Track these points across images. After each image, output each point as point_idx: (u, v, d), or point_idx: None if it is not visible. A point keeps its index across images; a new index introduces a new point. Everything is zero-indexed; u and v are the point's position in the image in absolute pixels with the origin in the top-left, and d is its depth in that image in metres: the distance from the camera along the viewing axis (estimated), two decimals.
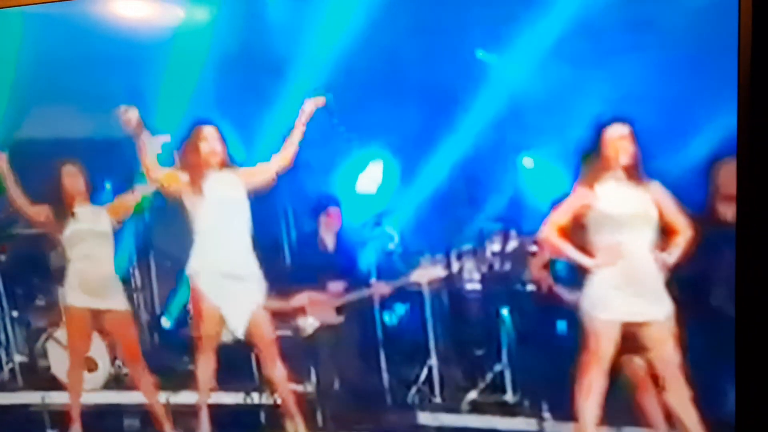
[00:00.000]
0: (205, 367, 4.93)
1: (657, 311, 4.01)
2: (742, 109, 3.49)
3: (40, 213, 5.21)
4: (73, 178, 5.20)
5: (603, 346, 4.09)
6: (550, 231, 4.34)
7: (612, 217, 4.04)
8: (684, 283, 4.04)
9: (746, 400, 3.58)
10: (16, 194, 5.20)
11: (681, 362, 4.01)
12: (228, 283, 4.80)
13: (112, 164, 5.60)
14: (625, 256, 4.03)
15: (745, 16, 3.56)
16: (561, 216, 4.28)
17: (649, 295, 4.03)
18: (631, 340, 4.11)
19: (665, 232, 3.99)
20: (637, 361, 4.19)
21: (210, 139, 4.75)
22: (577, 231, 4.12)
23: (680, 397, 4.01)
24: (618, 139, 4.05)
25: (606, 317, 4.09)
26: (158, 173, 4.79)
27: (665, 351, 4.01)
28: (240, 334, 4.83)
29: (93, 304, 5.24)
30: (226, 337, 4.95)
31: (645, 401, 4.23)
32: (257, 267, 4.78)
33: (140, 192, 5.12)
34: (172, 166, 4.96)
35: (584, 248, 4.17)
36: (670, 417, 4.19)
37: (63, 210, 5.21)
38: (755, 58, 3.58)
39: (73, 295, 5.27)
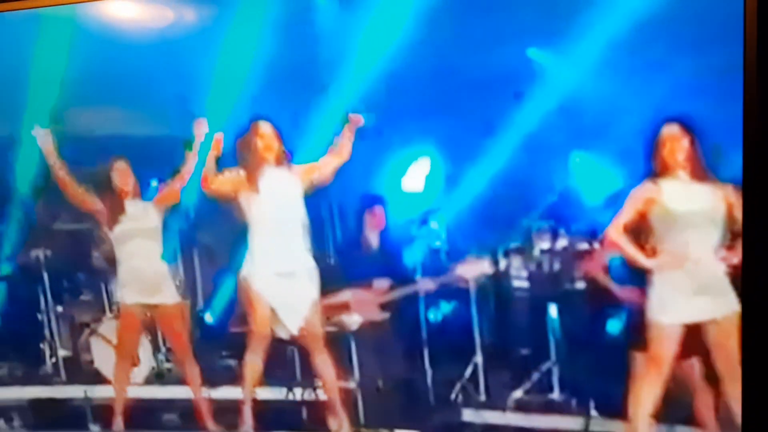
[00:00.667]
0: (254, 365, 4.95)
1: (720, 309, 3.97)
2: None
3: (96, 202, 5.28)
4: (123, 174, 5.28)
5: (665, 350, 4.05)
6: (616, 232, 4.34)
7: (677, 215, 4.02)
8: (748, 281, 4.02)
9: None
10: (69, 181, 5.25)
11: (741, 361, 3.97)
12: (282, 282, 4.84)
13: (157, 161, 5.67)
14: (690, 256, 4.00)
15: None
16: (625, 216, 4.28)
17: (712, 294, 3.99)
18: (692, 341, 4.07)
19: (733, 232, 4.01)
20: (695, 363, 4.21)
21: (266, 135, 4.79)
22: (641, 231, 4.12)
23: (735, 397, 3.99)
24: (675, 139, 4.07)
25: (669, 320, 4.06)
26: (216, 183, 4.82)
27: (727, 350, 3.95)
28: (295, 330, 4.84)
29: (144, 300, 5.31)
30: (282, 334, 4.97)
31: (699, 402, 4.20)
32: (312, 263, 4.84)
33: (182, 177, 5.18)
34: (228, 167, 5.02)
35: (649, 249, 4.16)
36: (722, 418, 4.19)
37: (115, 205, 5.30)
38: None
39: (126, 292, 5.33)
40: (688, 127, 4.02)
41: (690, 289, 4.01)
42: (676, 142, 4.02)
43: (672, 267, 4.01)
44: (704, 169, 4.01)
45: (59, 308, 6.45)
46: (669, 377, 4.02)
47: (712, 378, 4.07)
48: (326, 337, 4.96)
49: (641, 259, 4.20)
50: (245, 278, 4.86)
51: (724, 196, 3.96)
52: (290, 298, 4.78)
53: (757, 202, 3.50)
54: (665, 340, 4.04)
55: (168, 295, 5.24)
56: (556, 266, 4.95)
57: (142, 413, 5.50)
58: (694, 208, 4.00)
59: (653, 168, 4.05)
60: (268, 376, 5.21)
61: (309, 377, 5.23)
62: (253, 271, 4.81)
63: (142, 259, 5.21)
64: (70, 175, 5.20)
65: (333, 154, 4.73)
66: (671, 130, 4.04)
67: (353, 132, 4.71)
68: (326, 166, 4.73)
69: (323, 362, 4.87)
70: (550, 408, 5.04)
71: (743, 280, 3.56)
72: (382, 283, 5.18)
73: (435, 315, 5.86)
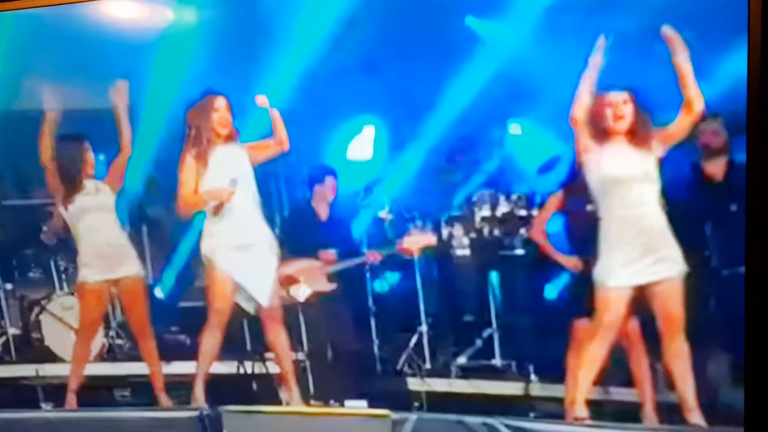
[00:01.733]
0: (211, 341, 4.93)
1: (667, 270, 4.00)
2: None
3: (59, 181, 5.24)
4: (88, 154, 5.24)
5: (611, 313, 4.07)
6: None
7: (616, 180, 4.01)
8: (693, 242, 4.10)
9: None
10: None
11: (685, 322, 4.01)
12: (243, 255, 4.80)
13: (103, 136, 5.61)
14: (631, 218, 4.01)
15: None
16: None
17: (657, 253, 4.00)
18: (638, 302, 4.09)
19: None
20: (633, 323, 4.23)
21: (221, 110, 4.76)
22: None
23: (679, 357, 4.00)
24: (614, 103, 4.07)
25: (615, 283, 4.06)
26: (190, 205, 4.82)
27: (672, 311, 4.00)
28: (266, 302, 4.83)
29: (107, 275, 5.27)
30: (249, 308, 4.97)
31: (635, 362, 4.24)
32: (269, 233, 4.82)
33: (125, 150, 5.15)
34: None
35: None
36: (657, 379, 4.27)
37: (73, 182, 5.25)
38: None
39: (88, 271, 5.30)
40: (626, 92, 4.04)
41: (635, 252, 4.03)
42: (614, 108, 4.05)
43: (615, 231, 4.06)
44: (642, 134, 4.03)
45: (8, 286, 6.41)
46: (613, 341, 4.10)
47: (651, 338, 4.17)
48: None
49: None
50: (206, 255, 4.84)
51: (656, 159, 4.03)
52: (253, 271, 4.78)
53: (761, 200, 3.51)
54: (612, 304, 4.07)
55: (131, 266, 5.22)
56: (497, 233, 5.00)
57: (94, 390, 5.50)
58: (632, 172, 4.03)
59: (594, 134, 4.09)
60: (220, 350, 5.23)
61: (259, 350, 5.27)
62: (214, 247, 4.80)
63: (101, 233, 5.18)
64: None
65: (275, 141, 4.71)
66: (610, 96, 4.05)
67: (279, 118, 4.68)
68: (268, 149, 4.71)
69: (278, 334, 4.88)
70: (492, 374, 5.08)
71: (747, 279, 3.57)
72: (329, 254, 5.21)
73: (381, 285, 5.91)
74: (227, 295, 4.78)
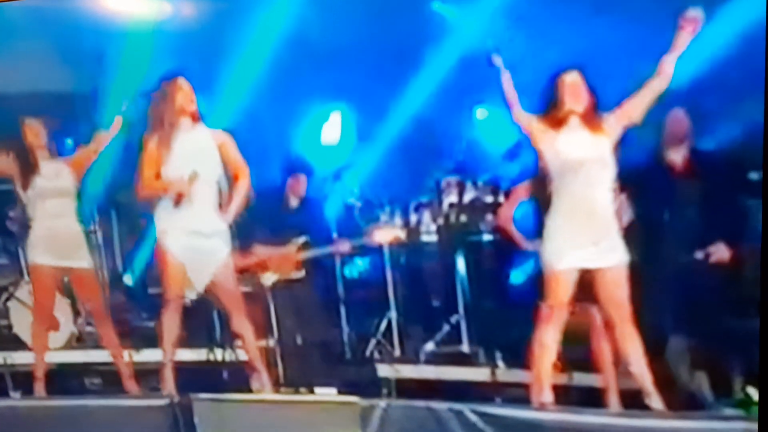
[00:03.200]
0: (171, 325, 4.89)
1: (612, 258, 3.98)
2: None
3: (8, 165, 5.14)
4: (34, 132, 5.15)
5: (561, 295, 4.03)
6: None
7: (571, 163, 3.96)
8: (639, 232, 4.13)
9: None
10: None
11: (632, 309, 3.99)
12: (194, 240, 4.78)
13: (72, 119, 5.54)
14: (582, 202, 3.96)
15: None
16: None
17: (605, 242, 3.98)
18: (586, 287, 4.05)
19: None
20: (592, 309, 4.20)
21: (185, 90, 4.70)
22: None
23: (631, 343, 3.96)
24: (571, 87, 4.03)
25: (563, 266, 4.02)
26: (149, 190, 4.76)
27: (618, 297, 3.97)
28: (200, 288, 4.81)
29: (58, 262, 5.22)
30: (190, 295, 4.95)
31: (597, 348, 4.23)
32: (222, 224, 4.80)
33: (101, 141, 5.10)
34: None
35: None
36: (619, 363, 4.31)
37: (29, 165, 5.18)
38: None
39: (39, 253, 5.23)
40: (584, 77, 3.99)
41: (584, 236, 3.99)
42: (571, 91, 4.00)
43: (566, 214, 4.02)
44: (596, 118, 4.00)
45: None
46: (567, 324, 4.10)
47: (609, 325, 4.17)
48: (244, 297, 4.95)
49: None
50: (159, 236, 4.80)
51: (611, 143, 4.07)
52: (201, 257, 4.74)
53: None
54: (560, 285, 4.03)
55: (83, 258, 5.17)
56: (463, 219, 5.01)
57: (63, 378, 5.46)
58: (587, 155, 3.99)
59: (550, 118, 4.08)
60: (189, 338, 5.20)
61: (229, 338, 5.25)
62: (166, 229, 4.76)
63: (57, 219, 5.10)
64: None
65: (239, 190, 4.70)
66: (568, 79, 3.99)
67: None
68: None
69: (241, 322, 4.85)
70: (459, 360, 5.12)
71: (763, 272, 3.57)
72: (297, 241, 5.20)
73: (350, 272, 5.91)
74: (179, 278, 4.74)
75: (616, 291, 3.91)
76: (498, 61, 3.97)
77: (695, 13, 3.80)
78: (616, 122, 3.93)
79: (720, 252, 4.25)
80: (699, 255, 4.23)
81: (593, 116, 3.93)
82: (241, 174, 4.58)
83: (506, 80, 3.96)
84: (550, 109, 3.98)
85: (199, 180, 4.54)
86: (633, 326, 3.90)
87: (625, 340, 3.91)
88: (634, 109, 3.92)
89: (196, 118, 4.61)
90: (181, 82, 4.58)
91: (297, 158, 5.52)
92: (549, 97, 3.98)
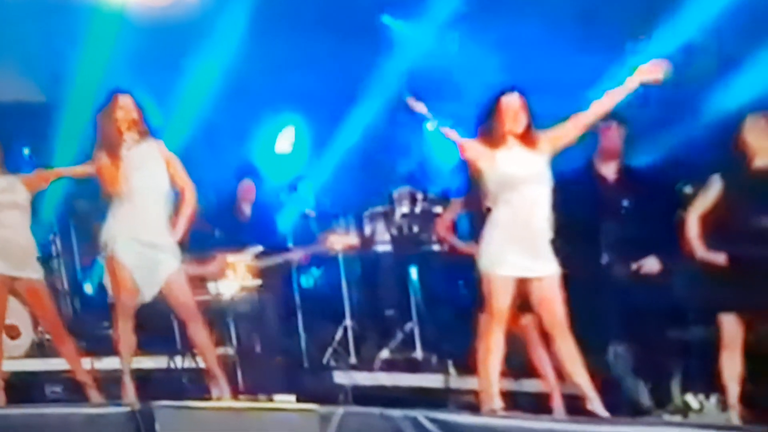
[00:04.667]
0: (125, 332, 4.90)
1: (547, 268, 4.03)
2: None
3: None
4: None
5: (500, 302, 4.06)
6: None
7: (509, 179, 4.00)
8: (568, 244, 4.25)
9: None
10: None
11: (567, 319, 4.02)
12: (142, 250, 4.77)
13: (29, 130, 5.52)
14: (519, 215, 4.00)
15: None
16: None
17: (539, 252, 4.05)
18: (523, 296, 4.11)
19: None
20: (529, 318, 4.26)
21: (125, 107, 4.70)
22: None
23: (568, 352, 3.99)
24: (510, 108, 4.03)
25: (502, 273, 4.06)
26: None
27: (553, 307, 4.02)
28: (148, 297, 4.82)
29: (8, 271, 5.20)
30: (140, 301, 4.95)
31: (536, 356, 4.30)
32: (172, 240, 4.79)
33: (60, 172, 5.11)
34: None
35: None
36: (560, 370, 4.41)
37: None
38: None
39: None
40: (524, 98, 4.03)
41: (519, 243, 4.04)
42: (511, 111, 4.05)
43: (504, 225, 4.03)
44: (532, 136, 4.05)
45: None
46: (508, 332, 4.10)
47: (547, 334, 4.17)
48: (200, 306, 4.98)
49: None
50: (105, 242, 4.80)
51: (546, 160, 4.11)
52: (149, 266, 4.72)
53: None
54: (499, 292, 4.05)
55: (32, 270, 5.14)
56: (415, 229, 5.09)
57: (25, 386, 5.45)
58: (525, 173, 4.03)
59: (488, 135, 4.11)
60: (149, 346, 5.22)
61: (188, 346, 5.26)
62: (116, 237, 4.76)
63: (9, 231, 5.09)
64: None
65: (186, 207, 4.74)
66: (507, 100, 4.05)
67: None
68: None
69: (197, 330, 4.86)
70: (413, 367, 5.21)
71: None
72: (254, 250, 5.25)
73: (307, 281, 5.97)
74: (127, 285, 4.75)
75: (551, 300, 3.99)
76: (420, 107, 4.06)
77: (660, 64, 3.88)
78: (551, 143, 4.01)
79: (650, 264, 4.40)
80: (633, 266, 4.38)
81: (530, 136, 4.00)
82: (187, 189, 4.58)
83: (436, 126, 4.03)
84: (489, 128, 4.07)
85: (150, 189, 4.58)
86: (569, 335, 3.97)
87: (562, 348, 3.98)
88: (570, 132, 4.01)
89: (143, 132, 4.63)
90: (122, 99, 4.58)
91: (246, 164, 5.56)
92: (488, 116, 4.07)
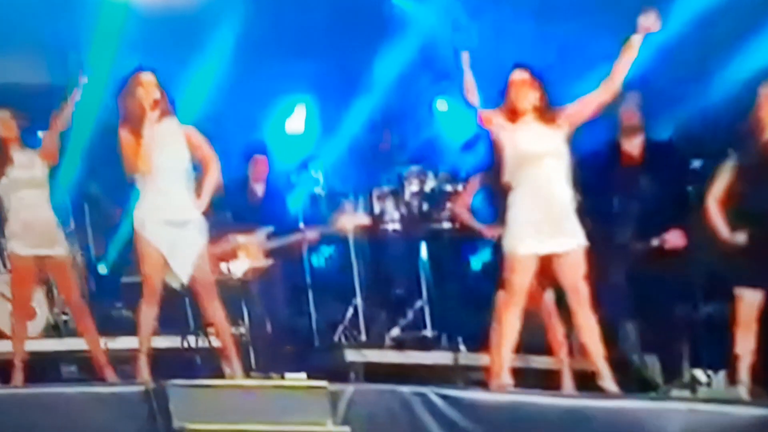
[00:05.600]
0: (148, 313, 4.95)
1: (570, 242, 4.08)
2: None
3: None
4: (7, 125, 5.16)
5: (521, 281, 4.12)
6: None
7: (528, 155, 4.07)
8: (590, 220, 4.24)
9: None
10: None
11: (590, 294, 4.09)
12: (171, 230, 4.70)
13: (42, 111, 5.56)
14: (540, 192, 4.06)
15: None
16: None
17: (563, 227, 4.09)
18: (546, 272, 4.16)
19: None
20: (547, 294, 4.32)
21: (147, 84, 4.73)
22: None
23: (589, 327, 4.07)
24: (519, 84, 4.11)
25: (524, 251, 4.12)
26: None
27: (576, 282, 4.07)
28: (185, 279, 4.88)
29: (35, 251, 5.25)
30: (173, 284, 5.01)
31: (550, 332, 4.35)
32: (198, 214, 4.76)
33: (61, 120, 5.14)
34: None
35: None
36: (573, 348, 4.40)
37: (1, 156, 5.18)
38: None
39: (16, 243, 5.25)
40: (535, 73, 4.11)
41: (542, 221, 4.09)
42: (524, 87, 4.11)
43: (525, 202, 4.10)
44: (550, 112, 4.10)
45: None
46: (525, 310, 4.15)
47: (565, 309, 4.26)
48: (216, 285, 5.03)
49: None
50: (137, 227, 4.85)
51: (564, 136, 4.14)
52: (180, 247, 4.72)
53: None
54: (520, 271, 4.11)
55: (59, 246, 5.22)
56: (425, 208, 5.11)
57: (41, 366, 5.52)
58: (543, 148, 4.09)
59: (505, 111, 4.15)
60: (163, 325, 5.27)
61: (202, 325, 5.33)
62: (144, 220, 4.81)
63: (31, 209, 5.13)
64: None
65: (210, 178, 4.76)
66: (516, 77, 4.12)
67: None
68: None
69: (215, 310, 4.92)
70: (423, 344, 5.26)
71: None
72: (265, 231, 5.29)
73: (318, 260, 6.00)
74: (158, 268, 4.81)
75: (574, 275, 4.04)
76: (465, 57, 4.04)
77: (652, 15, 3.89)
78: (569, 119, 4.05)
79: (675, 238, 4.39)
80: (655, 242, 4.37)
81: (548, 112, 4.04)
82: (210, 162, 4.63)
83: (468, 79, 4.04)
84: (506, 104, 4.09)
85: (173, 168, 4.61)
86: (590, 310, 4.03)
87: (582, 323, 4.04)
88: (588, 107, 4.05)
89: (164, 111, 4.66)
90: (144, 76, 4.61)
91: (255, 141, 5.58)
92: (505, 92, 4.09)
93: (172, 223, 4.62)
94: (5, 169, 5.02)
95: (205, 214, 4.66)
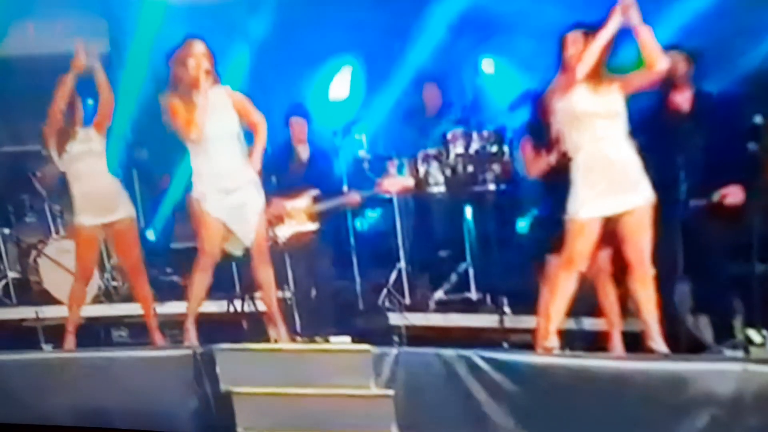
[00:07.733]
0: (202, 280, 5.00)
1: (636, 199, 3.99)
2: None
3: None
4: (75, 101, 5.24)
5: (583, 246, 4.04)
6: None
7: (585, 117, 3.97)
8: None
9: None
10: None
11: (652, 251, 4.03)
12: (230, 198, 4.65)
13: (90, 82, 5.63)
14: (598, 154, 3.97)
15: None
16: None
17: (628, 184, 4.00)
18: (608, 233, 4.07)
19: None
20: (602, 255, 4.20)
21: (199, 54, 4.74)
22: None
23: (645, 286, 4.00)
24: (573, 45, 4.00)
25: (586, 215, 4.02)
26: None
27: (640, 240, 4.01)
28: (249, 242, 4.90)
29: (100, 220, 5.21)
30: (236, 252, 5.05)
31: (603, 294, 4.27)
32: (253, 175, 4.71)
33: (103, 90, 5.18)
34: None
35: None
36: (626, 309, 4.32)
37: (67, 130, 5.28)
38: None
39: (84, 216, 5.33)
40: (588, 31, 3.98)
41: (604, 184, 4.00)
42: (574, 49, 3.99)
43: (585, 165, 4.00)
44: (607, 77, 3.98)
45: (5, 230, 6.53)
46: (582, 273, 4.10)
47: (619, 269, 4.16)
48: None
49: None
50: (196, 199, 4.88)
51: (619, 87, 4.03)
52: (241, 211, 4.73)
53: None
54: (583, 236, 4.05)
55: (123, 210, 5.28)
56: (470, 169, 5.03)
57: (92, 331, 5.62)
58: (599, 108, 3.99)
59: (562, 76, 4.06)
60: (210, 290, 5.31)
61: (248, 290, 5.36)
62: (205, 193, 4.84)
63: (88, 182, 5.22)
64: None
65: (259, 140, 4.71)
66: (570, 38, 4.02)
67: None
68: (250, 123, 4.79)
69: (266, 273, 4.94)
70: (468, 307, 5.21)
71: None
72: (311, 194, 5.27)
73: (362, 224, 5.96)
74: (217, 238, 4.85)
75: (639, 233, 3.97)
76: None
77: None
78: (623, 88, 3.96)
79: (734, 194, 4.25)
80: (715, 196, 4.25)
81: (603, 76, 3.94)
82: (259, 126, 4.67)
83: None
84: (561, 67, 4.00)
85: (224, 135, 4.63)
86: (650, 269, 3.96)
87: (641, 283, 3.97)
88: (639, 81, 3.96)
89: (214, 79, 4.68)
90: (195, 45, 4.62)
91: (295, 105, 5.53)
92: (559, 56, 4.00)
93: (229, 191, 4.67)
94: (68, 145, 5.13)
95: None
